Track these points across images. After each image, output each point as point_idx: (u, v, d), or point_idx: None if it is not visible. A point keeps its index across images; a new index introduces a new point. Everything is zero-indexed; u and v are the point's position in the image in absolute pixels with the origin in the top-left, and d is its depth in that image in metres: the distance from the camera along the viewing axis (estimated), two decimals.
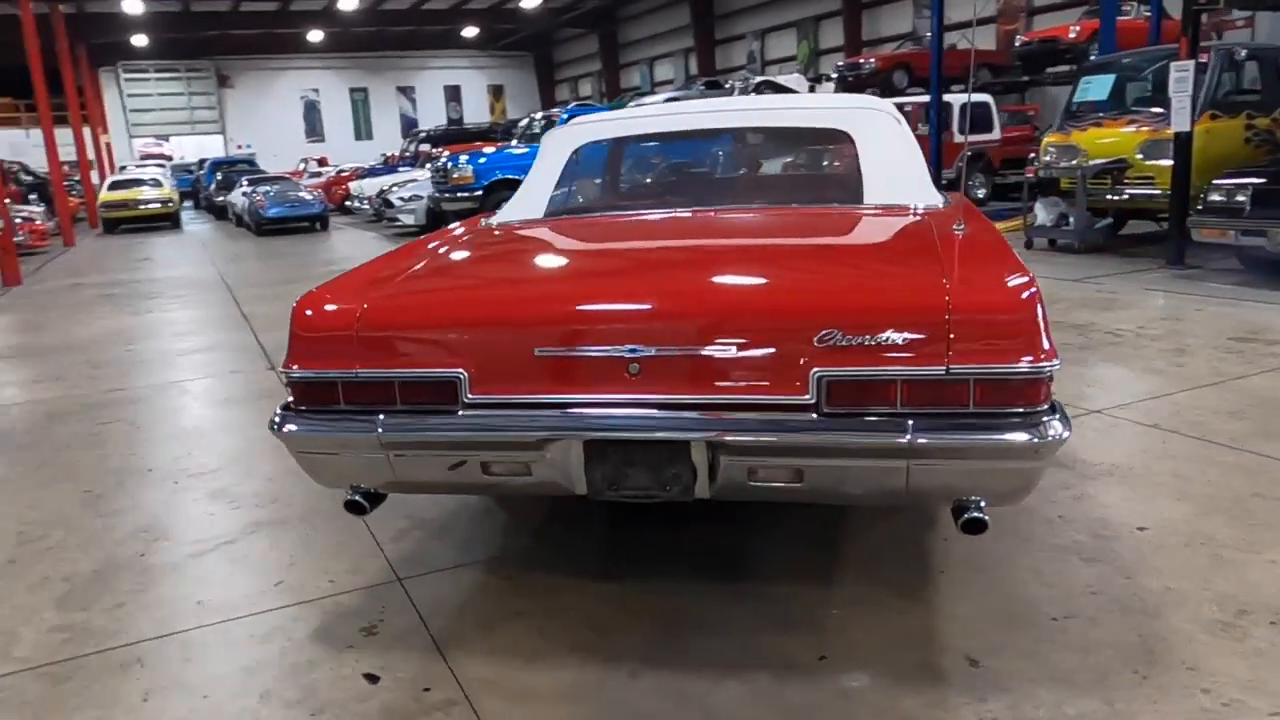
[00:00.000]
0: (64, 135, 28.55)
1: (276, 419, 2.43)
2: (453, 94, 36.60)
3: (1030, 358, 2.07)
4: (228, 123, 33.33)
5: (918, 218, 2.98)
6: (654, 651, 2.40)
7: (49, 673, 2.45)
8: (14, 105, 29.60)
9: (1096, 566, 2.72)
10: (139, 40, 29.16)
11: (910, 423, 2.10)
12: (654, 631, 2.50)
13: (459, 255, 3.08)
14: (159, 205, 20.24)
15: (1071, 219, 9.12)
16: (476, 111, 36.63)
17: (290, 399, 2.44)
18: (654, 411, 2.22)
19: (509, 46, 35.86)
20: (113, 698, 2.32)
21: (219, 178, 23.51)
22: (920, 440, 2.09)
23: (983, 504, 2.20)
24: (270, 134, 33.06)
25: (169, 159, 31.36)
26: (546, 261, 3.10)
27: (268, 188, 18.41)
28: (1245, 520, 2.96)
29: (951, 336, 2.09)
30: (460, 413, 2.30)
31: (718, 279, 2.49)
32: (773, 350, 2.17)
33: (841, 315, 2.14)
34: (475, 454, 2.34)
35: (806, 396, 2.15)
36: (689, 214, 3.24)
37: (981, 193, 14.16)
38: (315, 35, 31.35)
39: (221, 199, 22.09)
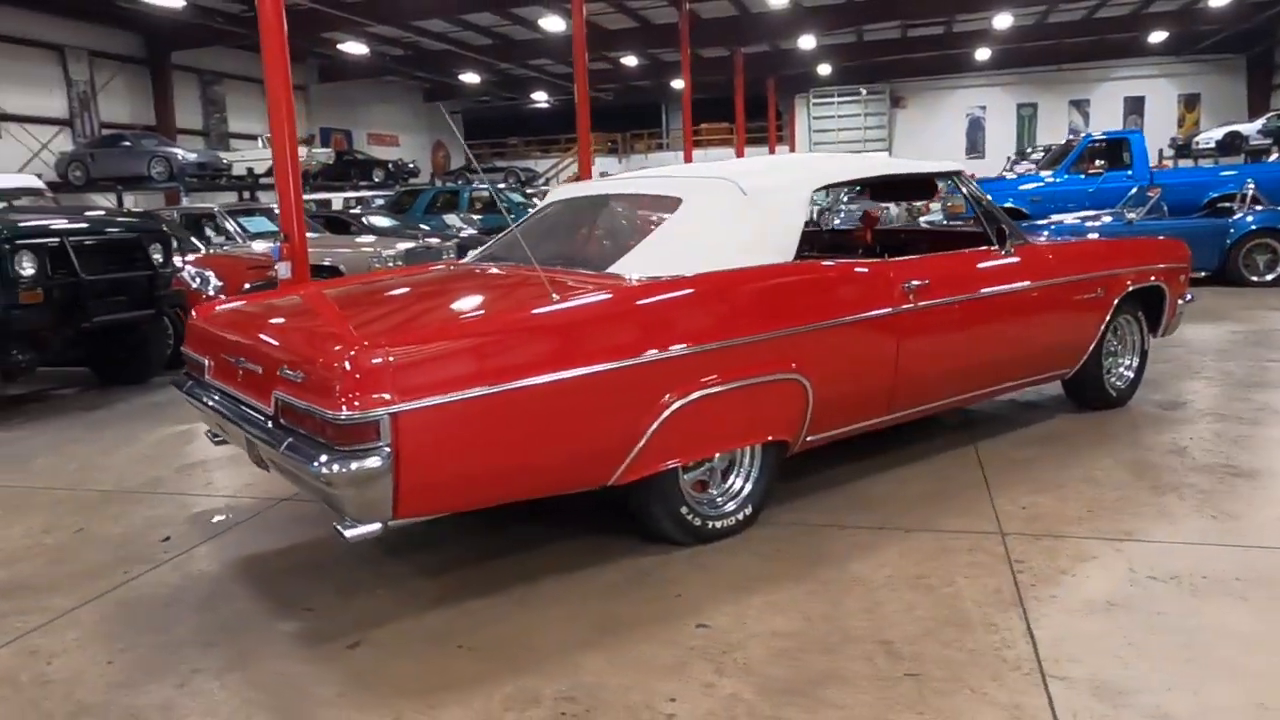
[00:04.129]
0: (757, 154, 33.95)
1: (176, 380, 4.03)
2: (1134, 106, 33.38)
3: (330, 405, 2.64)
4: (894, 141, 35.66)
5: (577, 287, 3.29)
6: (292, 593, 3.43)
7: (118, 494, 4.47)
8: (728, 129, 35.84)
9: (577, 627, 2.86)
10: (823, 69, 33.03)
11: (288, 439, 2.84)
12: (334, 586, 3.46)
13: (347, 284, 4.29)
14: None
15: None
16: (1162, 125, 32.93)
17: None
18: (241, 406, 3.27)
19: (1210, 49, 31.43)
20: (89, 508, 4.22)
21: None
22: (282, 453, 2.81)
23: (348, 521, 2.77)
24: (932, 151, 34.38)
25: None
26: (328, 296, 3.98)
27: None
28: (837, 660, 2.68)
29: (309, 380, 2.77)
30: (200, 388, 3.64)
31: (291, 318, 3.39)
32: (265, 374, 3.06)
33: (285, 355, 2.95)
34: (209, 416, 3.64)
35: (270, 409, 3.01)
36: (479, 269, 3.97)
37: None
38: (983, 54, 31.69)
39: None
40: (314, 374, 2.77)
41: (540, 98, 35.91)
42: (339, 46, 24.83)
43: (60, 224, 6.25)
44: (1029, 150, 23.85)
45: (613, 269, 3.49)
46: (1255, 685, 2.43)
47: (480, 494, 3.00)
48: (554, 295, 3.10)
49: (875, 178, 4.29)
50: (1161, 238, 5.59)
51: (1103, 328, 4.88)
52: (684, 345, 3.21)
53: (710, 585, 3.16)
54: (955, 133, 35.15)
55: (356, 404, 2.63)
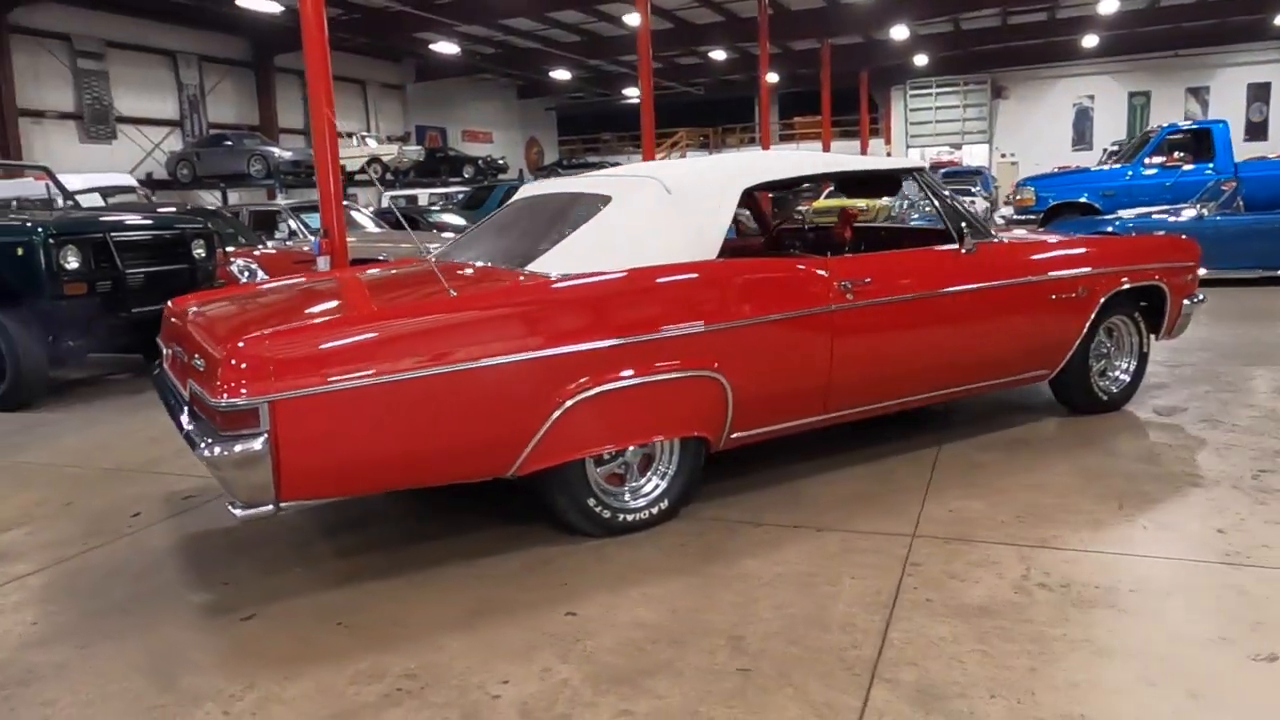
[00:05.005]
0: (853, 146, 33.38)
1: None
2: (1258, 93, 31.33)
3: (214, 393, 2.84)
4: (996, 132, 34.45)
5: (481, 283, 3.42)
6: (218, 568, 3.69)
7: (116, 473, 4.83)
8: (816, 122, 35.31)
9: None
10: (920, 60, 32.18)
11: (191, 424, 3.05)
12: (259, 562, 3.72)
13: (294, 281, 4.48)
14: (859, 212, 22.99)
15: None
16: None
17: None
18: (176, 394, 3.51)
19: None
20: (86, 484, 4.57)
21: None
22: (184, 436, 3.03)
23: (238, 501, 2.96)
24: (1036, 143, 33.10)
25: (953, 165, 33.88)
26: (268, 289, 4.26)
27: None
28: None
29: (205, 369, 2.98)
30: (160, 377, 3.91)
31: (221, 311, 3.59)
32: (187, 363, 3.28)
33: (194, 346, 3.17)
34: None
35: (187, 397, 3.24)
36: (422, 265, 4.11)
37: None
38: (1090, 40, 30.32)
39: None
40: (207, 364, 2.97)
41: (632, 93, 36.10)
42: (431, 47, 25.59)
43: (104, 221, 6.73)
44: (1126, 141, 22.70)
45: (534, 265, 3.59)
46: (1083, 695, 2.37)
47: (368, 480, 3.16)
48: (451, 292, 3.23)
49: (816, 175, 4.25)
50: (1166, 235, 5.34)
51: (1086, 329, 4.71)
52: (582, 341, 3.28)
53: (600, 576, 3.24)
54: (1061, 123, 33.77)
55: (241, 392, 2.82)
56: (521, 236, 4.01)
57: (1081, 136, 33.58)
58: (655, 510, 3.64)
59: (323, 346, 2.96)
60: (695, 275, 3.60)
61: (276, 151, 20.26)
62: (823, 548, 3.39)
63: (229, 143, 20.75)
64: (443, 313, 3.19)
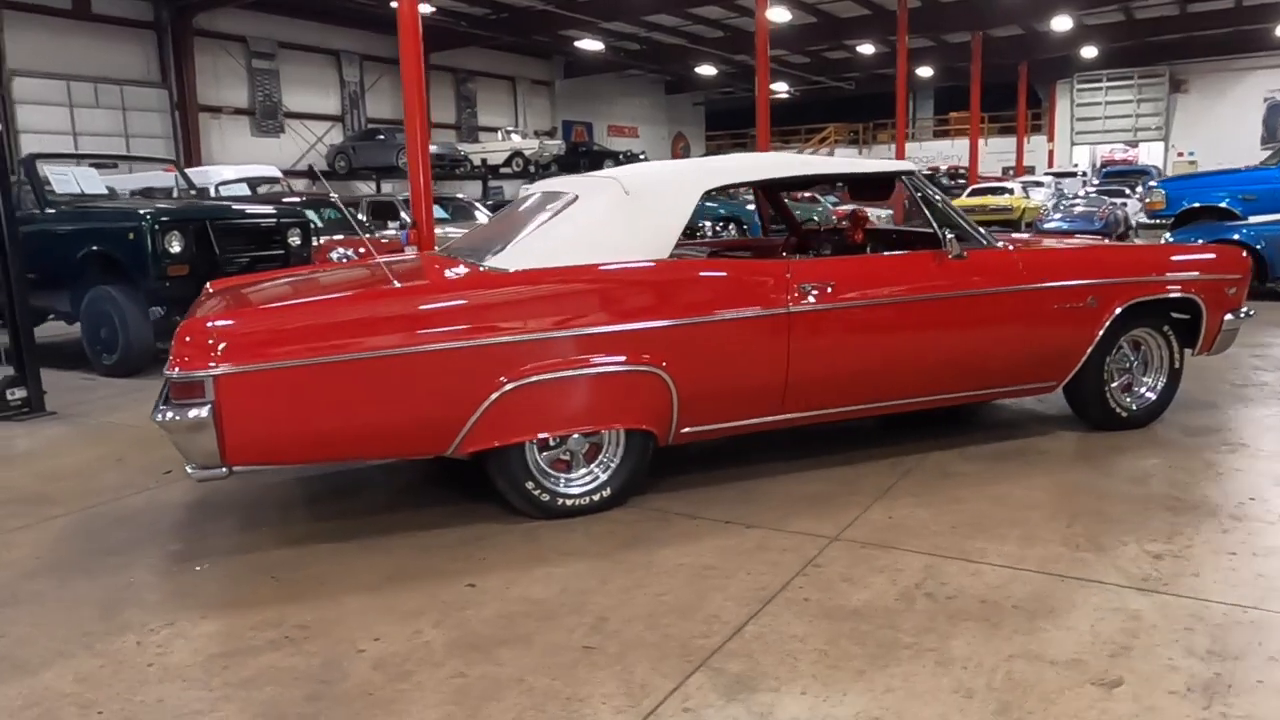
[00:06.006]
0: (1004, 144, 31.96)
1: None
2: None
3: (169, 366, 3.22)
4: (1173, 129, 32.07)
5: (429, 275, 3.68)
6: (204, 522, 4.13)
7: None
8: (979, 118, 33.98)
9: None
10: (1088, 52, 30.39)
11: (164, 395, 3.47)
12: (239, 520, 4.16)
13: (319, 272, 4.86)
14: (1002, 211, 22.03)
15: None
16: None
17: None
18: None
19: None
20: (142, 444, 5.15)
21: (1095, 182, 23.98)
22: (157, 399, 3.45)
23: (193, 464, 3.34)
24: (1219, 140, 30.57)
25: (1127, 164, 31.84)
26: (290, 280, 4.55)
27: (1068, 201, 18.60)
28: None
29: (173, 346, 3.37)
30: None
31: (221, 295, 3.96)
32: None
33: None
34: None
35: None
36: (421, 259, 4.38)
37: None
38: None
39: None
40: (174, 341, 3.36)
41: (779, 88, 35.81)
42: (577, 44, 26.31)
43: (206, 209, 7.46)
44: None
45: (496, 259, 3.82)
46: (893, 700, 2.39)
47: (309, 451, 3.48)
48: (395, 283, 3.50)
49: (786, 178, 4.25)
50: (1210, 245, 5.02)
51: (1097, 341, 4.51)
52: (517, 333, 3.48)
53: (519, 554, 3.44)
54: (1249, 120, 31.16)
55: (190, 365, 3.19)
56: (502, 232, 4.24)
57: (1273, 134, 30.79)
58: (597, 498, 3.80)
59: (266, 328, 3.31)
60: (641, 273, 3.73)
61: None
62: (739, 544, 3.47)
63: (381, 137, 22.11)
64: (376, 301, 3.47)
